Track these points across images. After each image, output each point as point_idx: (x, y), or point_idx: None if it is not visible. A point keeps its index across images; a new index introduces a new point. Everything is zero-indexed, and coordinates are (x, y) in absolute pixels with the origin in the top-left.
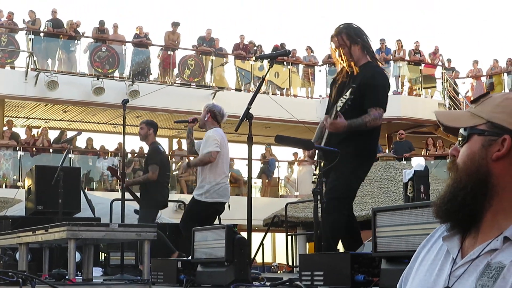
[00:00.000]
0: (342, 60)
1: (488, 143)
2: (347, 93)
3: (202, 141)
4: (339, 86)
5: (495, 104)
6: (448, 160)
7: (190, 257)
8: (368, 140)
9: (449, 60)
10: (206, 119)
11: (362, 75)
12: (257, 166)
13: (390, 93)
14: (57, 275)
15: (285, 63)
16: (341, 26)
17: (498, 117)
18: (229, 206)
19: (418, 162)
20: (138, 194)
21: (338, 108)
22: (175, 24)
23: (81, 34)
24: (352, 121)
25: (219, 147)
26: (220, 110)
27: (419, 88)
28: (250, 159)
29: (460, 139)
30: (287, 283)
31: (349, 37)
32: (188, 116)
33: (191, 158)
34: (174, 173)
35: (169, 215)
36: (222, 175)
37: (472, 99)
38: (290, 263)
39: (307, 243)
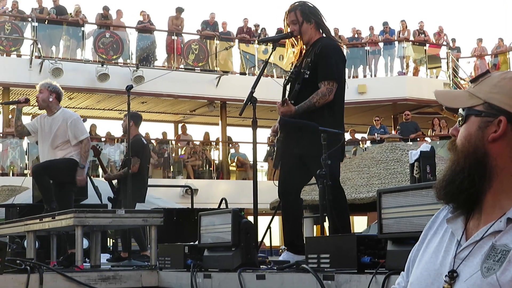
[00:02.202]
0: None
1: (484, 124)
2: (303, 69)
3: (62, 123)
4: (298, 68)
5: (493, 84)
6: None
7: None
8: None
9: (453, 40)
10: (51, 100)
11: (314, 50)
12: (263, 150)
13: (395, 74)
14: (65, 261)
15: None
16: (296, 3)
17: (495, 98)
18: None
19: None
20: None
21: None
22: (179, 10)
23: (84, 20)
24: (300, 106)
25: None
26: (61, 91)
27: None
28: (255, 143)
29: (459, 119)
30: (294, 266)
31: (303, 14)
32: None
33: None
34: (180, 157)
35: (176, 199)
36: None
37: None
38: None
39: (314, 226)
